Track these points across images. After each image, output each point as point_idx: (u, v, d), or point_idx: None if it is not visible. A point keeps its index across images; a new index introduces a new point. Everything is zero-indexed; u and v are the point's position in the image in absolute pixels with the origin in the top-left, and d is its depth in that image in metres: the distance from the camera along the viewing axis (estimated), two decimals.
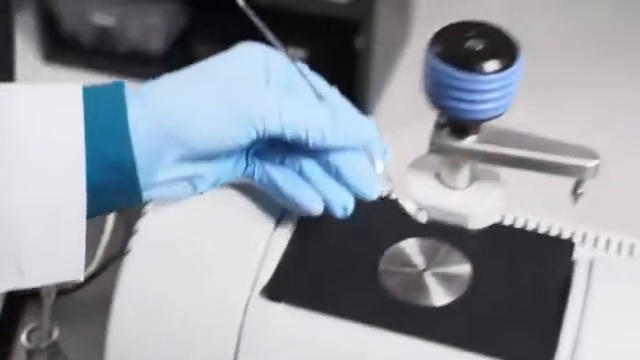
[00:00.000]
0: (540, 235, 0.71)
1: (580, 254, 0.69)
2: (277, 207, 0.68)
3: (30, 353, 0.79)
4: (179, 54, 2.34)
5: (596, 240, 0.73)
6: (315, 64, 2.49)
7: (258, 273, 0.65)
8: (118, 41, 2.35)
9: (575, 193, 0.68)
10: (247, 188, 0.70)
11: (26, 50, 2.41)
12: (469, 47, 0.63)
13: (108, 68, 2.34)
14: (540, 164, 0.66)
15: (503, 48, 0.64)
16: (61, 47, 2.38)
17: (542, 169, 0.66)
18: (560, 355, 0.61)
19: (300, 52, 2.26)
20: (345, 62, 2.21)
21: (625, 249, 0.73)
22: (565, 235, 0.73)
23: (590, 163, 0.66)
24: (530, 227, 0.75)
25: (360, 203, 0.65)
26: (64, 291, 0.91)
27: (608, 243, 0.73)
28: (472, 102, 0.63)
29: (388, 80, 2.31)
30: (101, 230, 0.97)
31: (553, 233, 0.74)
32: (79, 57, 2.37)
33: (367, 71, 2.16)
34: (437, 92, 0.64)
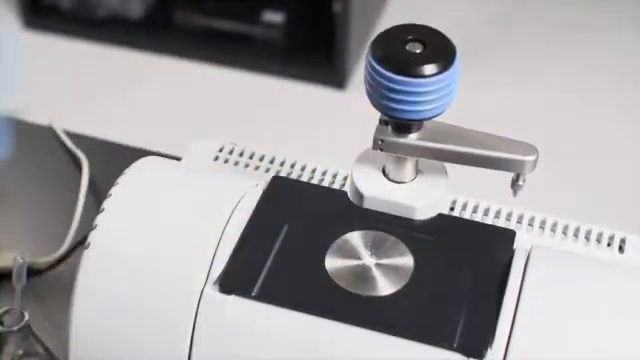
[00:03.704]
0: (483, 225, 0.74)
1: (530, 242, 0.72)
2: (230, 201, 0.71)
3: (2, 336, 0.82)
4: (158, 20, 2.36)
5: (554, 226, 0.77)
6: (293, 29, 2.52)
7: (212, 265, 0.68)
8: (97, 7, 2.36)
9: (514, 185, 0.71)
10: (200, 183, 0.74)
11: (6, 17, 2.42)
12: (408, 50, 0.66)
13: (88, 34, 2.36)
14: (481, 159, 0.69)
15: (441, 51, 0.66)
16: (41, 13, 2.39)
17: (483, 164, 0.69)
18: (497, 342, 0.65)
19: (279, 16, 2.27)
20: (323, 27, 2.22)
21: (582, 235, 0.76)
22: (525, 221, 0.77)
23: (529, 157, 0.69)
24: (479, 212, 0.78)
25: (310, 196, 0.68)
26: (36, 271, 0.94)
27: (566, 228, 0.77)
28: (411, 103, 0.66)
29: (366, 45, 2.33)
30: (72, 213, 1.00)
31: (512, 218, 0.77)
32: (59, 23, 2.37)
33: (345, 36, 2.18)
34: (377, 94, 0.67)
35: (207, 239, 0.69)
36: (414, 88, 0.65)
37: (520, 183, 0.71)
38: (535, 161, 0.69)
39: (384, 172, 0.72)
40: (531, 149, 0.69)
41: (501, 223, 0.77)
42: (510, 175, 0.71)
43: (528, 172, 0.70)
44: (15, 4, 2.40)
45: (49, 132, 1.11)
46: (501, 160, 0.69)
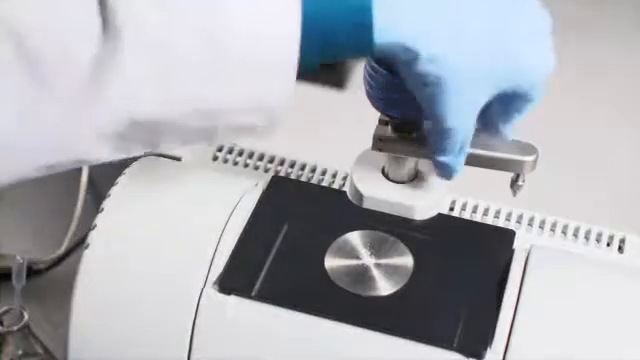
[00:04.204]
0: (482, 225, 0.74)
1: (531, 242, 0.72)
2: (230, 201, 0.71)
3: (2, 336, 0.82)
4: None
5: (553, 226, 0.77)
6: None
7: (211, 265, 0.68)
8: None
9: (514, 186, 0.71)
10: (200, 183, 0.74)
11: None
12: None
13: None
14: (481, 159, 0.69)
15: None
16: None
17: (482, 164, 0.69)
18: (496, 342, 0.65)
19: None
20: None
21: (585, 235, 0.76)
22: (524, 220, 0.77)
23: (528, 158, 0.69)
24: (479, 212, 0.78)
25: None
26: (36, 271, 0.94)
27: (565, 228, 0.77)
28: (409, 103, 0.66)
29: None
30: (71, 213, 1.00)
31: (511, 218, 0.77)
32: None
33: None
34: (376, 94, 0.67)
35: (207, 239, 0.69)
36: None
37: (520, 183, 0.71)
38: (535, 161, 0.69)
39: (384, 172, 0.72)
40: (531, 149, 0.69)
41: (501, 223, 0.77)
42: (510, 175, 0.71)
43: (528, 172, 0.70)
44: None
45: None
46: (500, 160, 0.69)
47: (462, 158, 0.67)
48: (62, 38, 0.54)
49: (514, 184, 0.71)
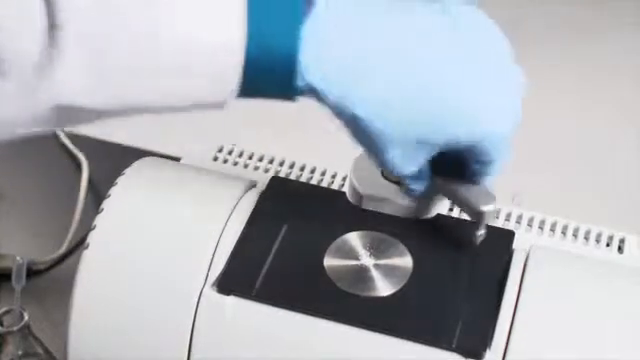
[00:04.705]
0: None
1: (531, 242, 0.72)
2: (229, 201, 0.71)
3: (2, 336, 0.82)
4: None
5: (553, 226, 0.77)
6: None
7: (211, 266, 0.68)
8: None
9: (474, 236, 0.69)
10: (199, 183, 0.74)
11: None
12: None
13: None
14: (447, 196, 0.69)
15: None
16: None
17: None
18: (495, 342, 0.65)
19: None
20: None
21: (591, 237, 0.77)
22: (524, 221, 0.77)
23: (486, 208, 0.68)
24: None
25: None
26: (36, 272, 0.95)
27: (565, 228, 0.77)
28: None
29: None
30: (71, 213, 1.00)
31: (511, 218, 0.77)
32: None
33: None
34: None
35: (206, 239, 0.69)
36: None
37: (479, 233, 0.69)
38: (493, 212, 0.68)
39: (383, 172, 0.72)
40: (489, 198, 0.68)
41: (500, 223, 0.77)
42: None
43: (486, 222, 0.68)
44: None
45: (49, 132, 1.11)
46: (461, 203, 0.69)
47: (424, 182, 0.67)
48: (6, 31, 0.55)
49: (474, 234, 0.69)
